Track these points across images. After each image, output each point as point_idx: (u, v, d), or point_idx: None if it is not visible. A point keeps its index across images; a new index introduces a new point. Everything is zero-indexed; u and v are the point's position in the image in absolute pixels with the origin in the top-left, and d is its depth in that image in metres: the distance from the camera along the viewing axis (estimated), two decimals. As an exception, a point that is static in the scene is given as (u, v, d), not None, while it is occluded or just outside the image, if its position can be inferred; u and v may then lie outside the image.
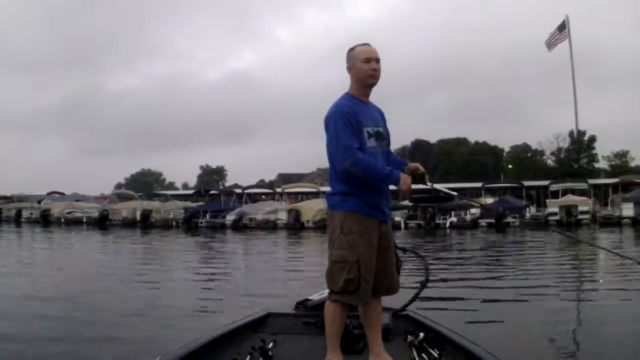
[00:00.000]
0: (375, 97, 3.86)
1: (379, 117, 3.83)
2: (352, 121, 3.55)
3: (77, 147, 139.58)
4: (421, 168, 3.86)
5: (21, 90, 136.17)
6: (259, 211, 41.55)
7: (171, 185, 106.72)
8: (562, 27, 63.27)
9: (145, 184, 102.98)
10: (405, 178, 3.60)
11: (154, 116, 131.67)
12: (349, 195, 3.61)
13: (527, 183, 47.61)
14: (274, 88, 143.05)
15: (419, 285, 5.17)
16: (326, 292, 3.72)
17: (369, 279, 3.52)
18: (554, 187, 43.37)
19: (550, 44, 64.30)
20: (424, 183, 3.87)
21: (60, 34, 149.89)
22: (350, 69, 3.73)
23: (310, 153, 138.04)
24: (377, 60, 3.69)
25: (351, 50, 3.74)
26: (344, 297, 3.54)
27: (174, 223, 43.27)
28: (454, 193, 4.94)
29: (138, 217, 44.64)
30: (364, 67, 3.65)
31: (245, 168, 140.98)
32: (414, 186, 3.78)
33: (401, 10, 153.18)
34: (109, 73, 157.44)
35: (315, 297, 5.07)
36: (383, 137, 3.76)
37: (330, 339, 3.61)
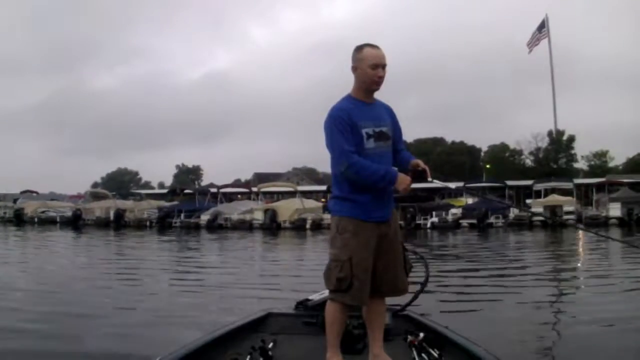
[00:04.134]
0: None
1: (385, 115, 3.74)
2: (346, 125, 3.50)
3: (54, 146, 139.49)
4: (422, 164, 3.73)
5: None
6: (234, 211, 40.67)
7: (147, 185, 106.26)
8: (542, 27, 63.24)
9: (122, 183, 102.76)
10: (402, 178, 3.54)
11: (131, 116, 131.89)
12: (345, 199, 3.61)
13: (509, 183, 46.96)
14: (250, 88, 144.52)
15: (419, 285, 5.09)
16: (326, 292, 3.76)
17: (362, 278, 3.50)
18: (538, 186, 42.59)
19: (531, 44, 64.23)
20: (425, 179, 3.71)
21: (36, 34, 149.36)
22: (355, 69, 3.63)
23: (286, 153, 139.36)
24: (384, 67, 3.60)
25: (359, 50, 3.62)
26: (338, 296, 3.55)
27: (147, 223, 42.55)
28: (452, 185, 5.12)
29: (111, 216, 43.73)
30: (370, 73, 3.57)
31: (221, 168, 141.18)
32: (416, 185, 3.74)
33: (376, 10, 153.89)
34: (86, 73, 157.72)
35: (315, 297, 5.03)
36: (387, 136, 3.68)
37: (330, 339, 3.61)
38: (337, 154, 3.50)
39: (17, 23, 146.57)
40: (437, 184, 4.21)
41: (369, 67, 3.55)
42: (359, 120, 3.54)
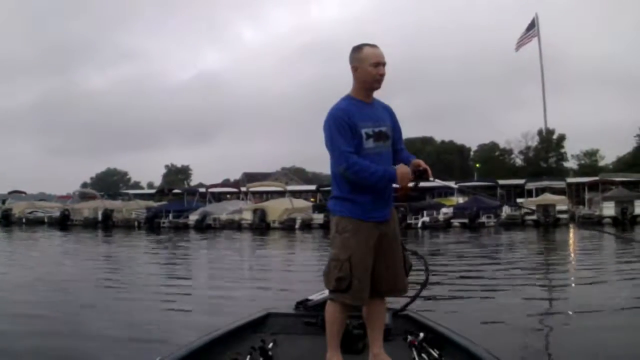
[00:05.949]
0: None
1: (385, 115, 3.73)
2: (346, 125, 3.49)
3: (44, 146, 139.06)
4: (423, 164, 3.68)
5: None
6: (223, 211, 40.41)
7: (136, 185, 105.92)
8: (531, 26, 63.39)
9: (111, 183, 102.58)
10: (402, 174, 3.51)
11: (121, 116, 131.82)
12: (345, 199, 3.59)
13: (501, 182, 46.71)
14: (239, 88, 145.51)
15: (418, 285, 5.06)
16: (326, 292, 3.75)
17: (362, 278, 3.49)
18: (530, 185, 42.48)
19: (519, 43, 64.35)
20: (427, 179, 3.67)
21: (25, 34, 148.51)
22: (355, 69, 3.61)
23: (275, 152, 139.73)
24: (384, 64, 3.60)
25: (358, 50, 3.61)
26: (337, 296, 3.54)
27: (136, 223, 42.30)
28: (453, 185, 4.63)
29: (99, 216, 43.48)
30: (372, 72, 3.56)
31: (210, 167, 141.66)
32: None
33: (366, 11, 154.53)
34: (76, 74, 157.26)
35: (315, 297, 5.05)
36: (387, 136, 3.66)
37: (330, 339, 3.62)
38: (337, 155, 3.50)
39: (5, 24, 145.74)
40: (438, 183, 4.10)
41: (370, 66, 3.54)
42: (358, 120, 3.53)
